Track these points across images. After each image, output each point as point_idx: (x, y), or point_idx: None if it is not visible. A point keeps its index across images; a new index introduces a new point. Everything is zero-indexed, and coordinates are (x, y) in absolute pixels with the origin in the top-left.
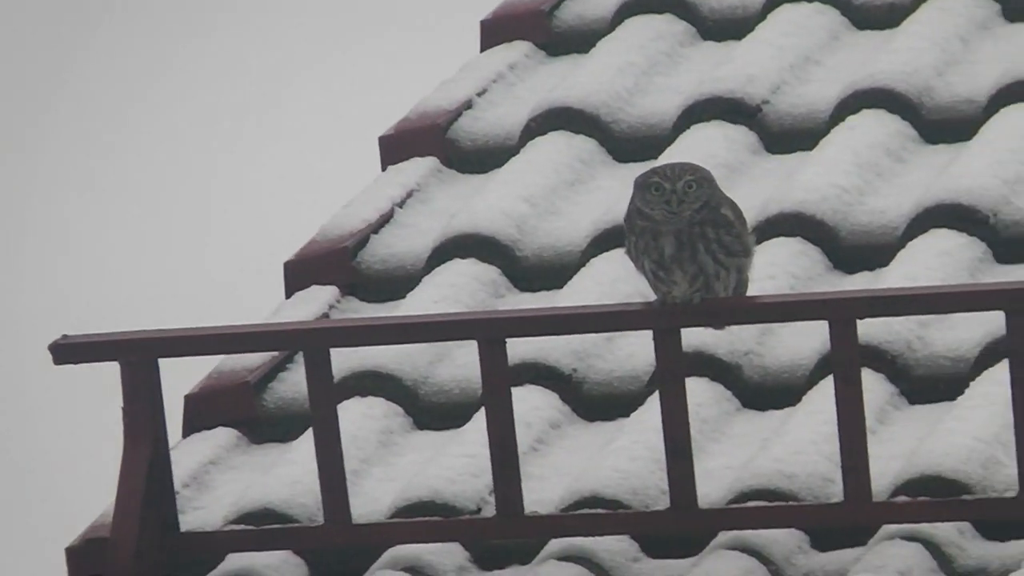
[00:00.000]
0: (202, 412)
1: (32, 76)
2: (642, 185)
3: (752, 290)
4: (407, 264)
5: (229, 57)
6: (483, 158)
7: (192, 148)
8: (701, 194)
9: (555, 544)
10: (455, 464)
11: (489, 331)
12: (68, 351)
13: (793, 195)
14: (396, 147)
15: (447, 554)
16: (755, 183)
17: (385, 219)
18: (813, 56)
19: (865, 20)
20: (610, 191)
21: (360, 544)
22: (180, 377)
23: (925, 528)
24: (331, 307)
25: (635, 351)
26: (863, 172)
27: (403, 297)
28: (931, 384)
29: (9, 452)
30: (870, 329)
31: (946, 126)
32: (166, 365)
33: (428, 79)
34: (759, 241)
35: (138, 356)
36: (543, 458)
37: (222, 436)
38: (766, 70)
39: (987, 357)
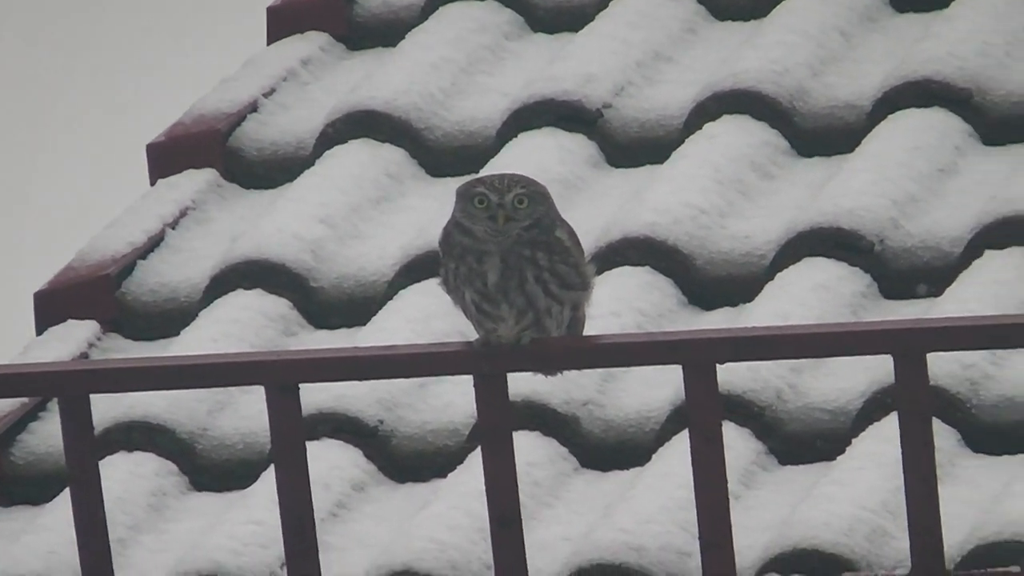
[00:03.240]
0: None
1: None
2: (464, 195)
3: (591, 329)
4: (181, 295)
5: None
6: (271, 171)
7: None
8: (533, 211)
9: None
10: (240, 532)
11: (279, 376)
12: None
13: (641, 217)
14: (167, 157)
15: None
16: (595, 202)
17: (155, 242)
18: (664, 52)
19: (726, 9)
20: (423, 211)
21: None
22: None
23: None
24: (91, 345)
25: (453, 400)
26: (724, 190)
27: (177, 334)
28: (806, 441)
29: None
30: (732, 376)
31: (823, 136)
32: None
33: (205, 76)
34: (600, 271)
35: None
36: (345, 525)
37: None
38: (608, 68)
39: (872, 409)
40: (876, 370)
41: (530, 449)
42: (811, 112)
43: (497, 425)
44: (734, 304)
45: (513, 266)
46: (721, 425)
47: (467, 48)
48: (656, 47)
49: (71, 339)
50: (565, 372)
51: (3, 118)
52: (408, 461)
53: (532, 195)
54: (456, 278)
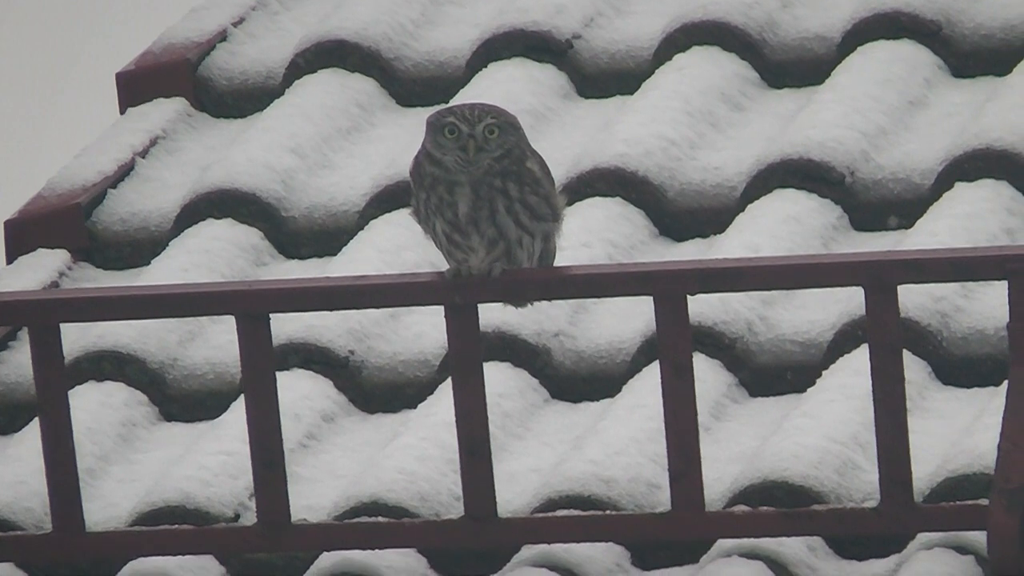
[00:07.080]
0: None
1: None
2: (435, 125)
3: (562, 260)
4: (151, 225)
5: None
6: (241, 101)
7: None
8: (504, 141)
9: (327, 558)
10: (209, 463)
11: (250, 305)
12: None
13: (611, 148)
14: (137, 86)
15: (200, 569)
16: (566, 133)
17: (125, 171)
18: None
19: None
20: (393, 141)
21: (95, 556)
22: None
23: (769, 544)
24: (61, 275)
25: (423, 331)
26: (694, 122)
27: (147, 264)
28: (776, 373)
29: None
30: (703, 308)
31: (793, 67)
32: None
33: (175, 4)
34: (571, 202)
35: None
36: (314, 456)
37: None
38: None
39: (843, 342)
40: (847, 302)
41: (500, 380)
42: (781, 44)
43: (467, 356)
44: (705, 236)
45: (484, 197)
46: (692, 357)
47: None
48: None
49: (41, 268)
50: (536, 303)
51: None
52: (378, 392)
53: (503, 125)
54: (427, 208)
